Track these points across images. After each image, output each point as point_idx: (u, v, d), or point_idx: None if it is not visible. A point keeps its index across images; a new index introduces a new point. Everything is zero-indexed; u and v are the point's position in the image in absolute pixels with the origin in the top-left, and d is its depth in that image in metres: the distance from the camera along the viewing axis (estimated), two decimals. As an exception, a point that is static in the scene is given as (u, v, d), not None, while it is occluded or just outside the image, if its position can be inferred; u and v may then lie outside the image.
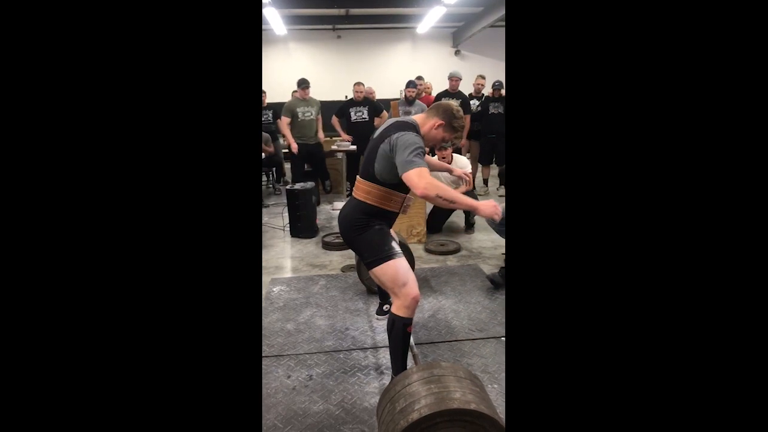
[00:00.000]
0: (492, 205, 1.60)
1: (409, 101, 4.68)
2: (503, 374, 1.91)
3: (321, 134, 4.74)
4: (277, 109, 5.83)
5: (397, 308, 1.69)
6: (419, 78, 5.33)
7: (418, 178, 1.52)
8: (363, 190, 1.75)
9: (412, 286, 1.68)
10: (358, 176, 1.81)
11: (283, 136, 5.73)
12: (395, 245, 1.73)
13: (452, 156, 3.84)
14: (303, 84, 4.65)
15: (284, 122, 4.59)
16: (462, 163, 3.85)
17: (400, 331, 1.69)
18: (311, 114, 4.66)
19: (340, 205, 4.76)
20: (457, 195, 1.58)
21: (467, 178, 3.07)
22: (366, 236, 1.72)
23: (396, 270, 1.68)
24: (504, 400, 1.75)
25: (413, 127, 1.70)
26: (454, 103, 1.86)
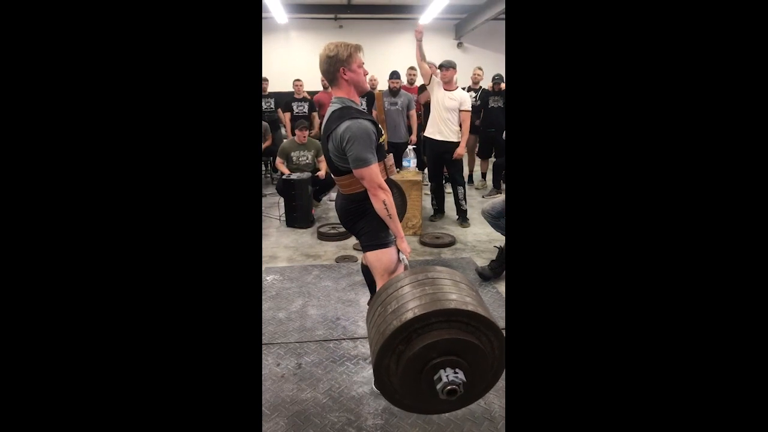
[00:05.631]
0: (406, 249, 1.74)
1: (393, 92, 4.62)
2: (491, 366, 1.93)
3: (322, 173, 4.32)
4: (279, 98, 5.82)
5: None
6: (412, 68, 5.27)
7: (372, 176, 1.58)
8: (343, 185, 1.77)
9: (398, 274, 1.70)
10: (332, 175, 1.83)
11: (285, 126, 5.75)
12: (390, 233, 1.76)
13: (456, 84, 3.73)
14: (301, 125, 4.38)
15: (278, 162, 4.34)
16: (462, 96, 3.71)
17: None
18: (307, 158, 4.38)
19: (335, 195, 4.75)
20: (396, 218, 1.68)
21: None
22: (365, 221, 1.73)
23: (390, 258, 1.73)
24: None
25: (349, 109, 1.61)
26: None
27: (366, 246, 1.75)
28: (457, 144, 3.70)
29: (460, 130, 3.72)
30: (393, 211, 1.67)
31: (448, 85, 3.70)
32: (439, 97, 3.70)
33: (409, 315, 1.10)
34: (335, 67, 1.64)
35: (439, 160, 3.85)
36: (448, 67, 3.68)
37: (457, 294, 1.17)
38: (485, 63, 6.20)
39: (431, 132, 3.78)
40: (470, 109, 3.77)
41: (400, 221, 1.76)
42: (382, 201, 1.62)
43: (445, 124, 3.69)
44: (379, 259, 1.71)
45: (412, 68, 5.23)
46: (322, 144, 1.75)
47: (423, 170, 4.96)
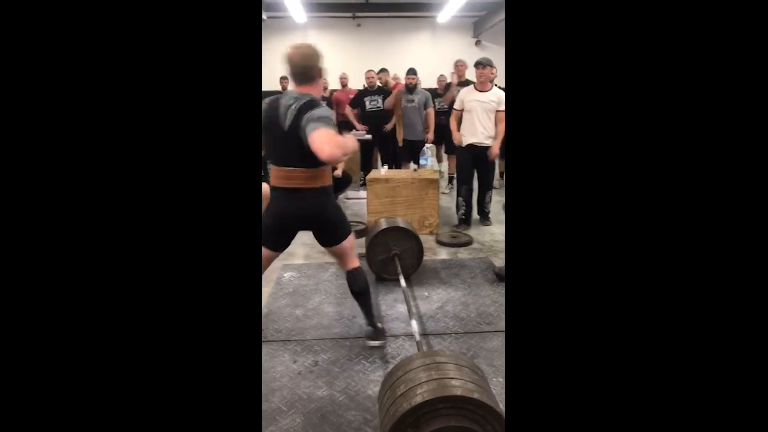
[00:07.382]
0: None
1: (410, 89, 4.56)
2: (509, 368, 1.91)
3: (338, 172, 4.13)
4: None
5: (353, 264, 2.01)
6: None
7: (322, 140, 1.54)
8: (308, 176, 1.73)
9: None
10: (288, 168, 1.74)
11: None
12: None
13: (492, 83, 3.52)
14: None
15: None
16: (499, 96, 3.48)
17: (363, 277, 2.02)
18: None
19: (352, 194, 4.75)
20: (348, 144, 1.67)
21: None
22: (337, 215, 1.89)
23: (353, 239, 1.99)
24: (508, 393, 1.75)
25: (316, 102, 1.70)
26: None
27: (339, 237, 1.91)
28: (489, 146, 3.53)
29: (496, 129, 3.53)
30: (349, 145, 1.67)
31: (484, 85, 3.48)
32: (475, 103, 3.47)
33: (419, 399, 1.19)
34: (317, 64, 1.73)
35: (474, 164, 3.66)
36: (485, 65, 3.40)
37: (461, 380, 1.26)
38: (503, 61, 6.13)
39: (469, 139, 3.55)
40: (504, 108, 3.55)
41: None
42: (342, 154, 1.61)
43: (484, 127, 3.50)
44: (351, 242, 1.95)
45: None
46: (297, 128, 1.68)
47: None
